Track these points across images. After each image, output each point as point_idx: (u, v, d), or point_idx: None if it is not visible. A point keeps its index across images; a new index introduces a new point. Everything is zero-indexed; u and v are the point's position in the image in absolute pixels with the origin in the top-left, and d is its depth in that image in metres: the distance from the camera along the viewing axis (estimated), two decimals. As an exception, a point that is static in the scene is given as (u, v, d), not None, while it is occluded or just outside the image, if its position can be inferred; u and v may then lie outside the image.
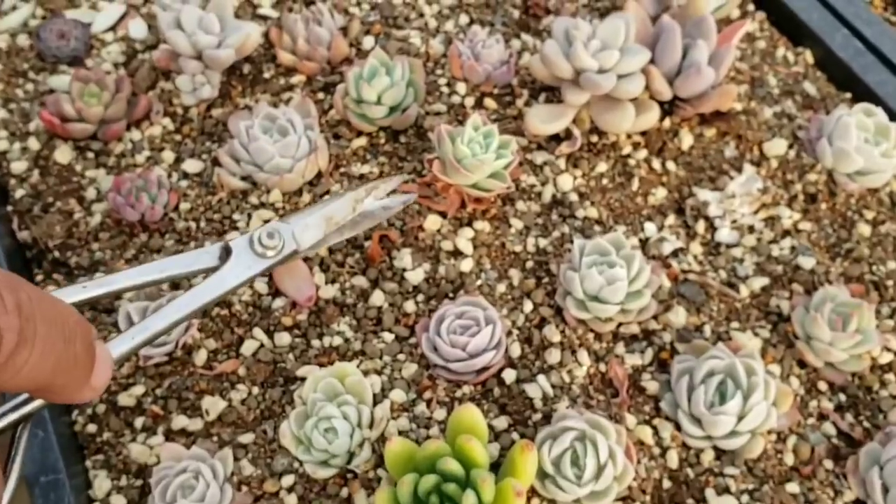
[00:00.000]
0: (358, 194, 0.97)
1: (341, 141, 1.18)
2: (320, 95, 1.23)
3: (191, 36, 1.17)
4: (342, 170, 1.15)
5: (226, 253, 0.86)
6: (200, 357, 1.01)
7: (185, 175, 1.17)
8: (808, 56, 1.26)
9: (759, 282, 1.05)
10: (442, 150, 1.06)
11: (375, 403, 0.95)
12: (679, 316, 1.02)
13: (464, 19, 1.30)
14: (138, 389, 1.00)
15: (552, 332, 1.00)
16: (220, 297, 0.83)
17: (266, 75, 1.25)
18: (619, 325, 1.01)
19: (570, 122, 1.13)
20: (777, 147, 1.14)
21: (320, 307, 1.04)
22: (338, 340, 1.01)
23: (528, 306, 1.03)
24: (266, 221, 1.10)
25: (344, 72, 1.24)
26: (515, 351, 0.99)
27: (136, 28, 1.31)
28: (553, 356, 0.99)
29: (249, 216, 1.12)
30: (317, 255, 1.07)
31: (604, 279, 0.97)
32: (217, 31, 1.18)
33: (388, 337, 1.01)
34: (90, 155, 1.20)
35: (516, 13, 1.31)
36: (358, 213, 0.96)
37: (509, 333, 1.01)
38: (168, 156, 1.18)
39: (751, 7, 1.30)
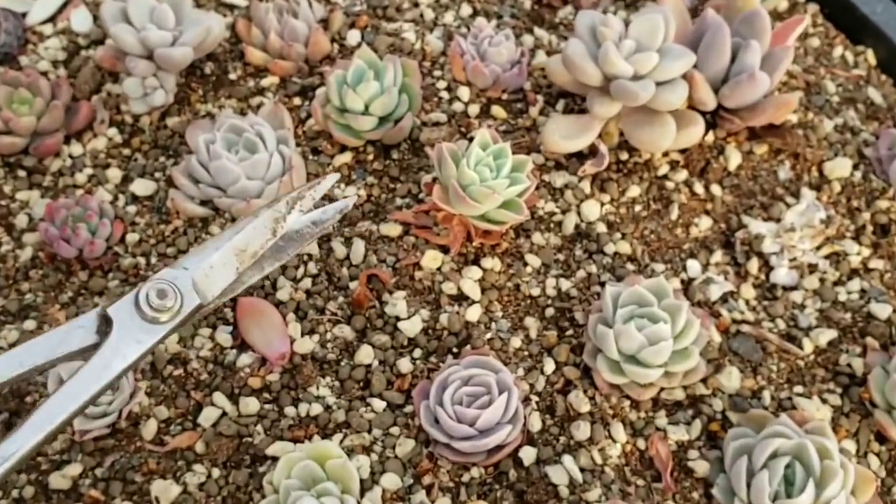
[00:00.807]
0: (277, 211, 0.75)
1: (321, 157, 0.99)
2: (296, 101, 1.04)
3: (140, 31, 0.97)
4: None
5: (105, 323, 0.67)
6: (149, 429, 0.83)
7: (134, 198, 0.98)
8: (871, 56, 1.09)
9: (825, 335, 0.88)
10: (443, 174, 0.87)
11: (363, 492, 0.78)
12: (732, 378, 0.85)
13: (466, 10, 1.11)
14: (74, 469, 0.82)
15: (580, 400, 0.83)
16: (101, 390, 0.64)
17: (232, 76, 1.06)
18: (661, 389, 0.83)
19: (595, 136, 0.94)
20: (840, 167, 0.97)
21: (295, 365, 0.86)
22: (317, 408, 0.83)
23: (549, 366, 0.85)
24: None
25: (324, 73, 1.05)
26: (535, 424, 0.82)
27: (80, 19, 1.11)
28: (581, 431, 0.81)
29: (211, 250, 0.92)
30: (290, 299, 0.89)
31: (644, 337, 0.80)
32: (171, 24, 0.98)
33: (379, 405, 0.83)
34: (21, 173, 1.01)
35: (527, 3, 1.12)
36: (280, 236, 0.75)
37: (527, 400, 0.83)
38: (114, 174, 0.99)
39: (802, -2, 1.11)
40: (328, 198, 0.92)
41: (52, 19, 1.12)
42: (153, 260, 0.93)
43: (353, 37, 1.07)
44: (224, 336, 0.87)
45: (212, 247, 0.72)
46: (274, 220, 0.74)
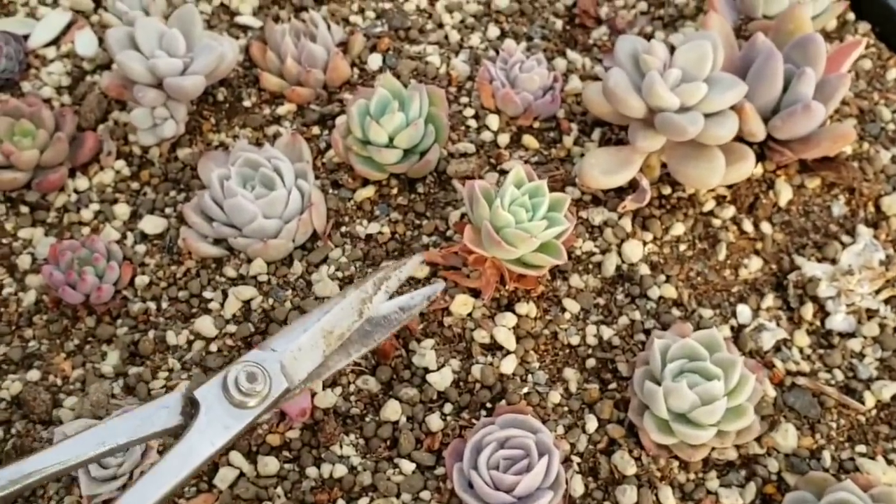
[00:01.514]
0: (364, 291, 0.74)
1: (342, 191, 0.93)
2: (315, 130, 0.97)
3: (148, 59, 0.91)
4: (343, 229, 0.91)
5: (190, 405, 0.64)
6: (161, 492, 0.76)
7: (143, 237, 0.92)
8: (927, 79, 1.02)
9: (888, 388, 0.82)
10: (475, 215, 0.81)
11: (393, 565, 0.71)
12: (788, 437, 0.79)
13: (493, 31, 1.04)
14: (81, 535, 0.76)
15: (625, 462, 0.76)
16: (186, 478, 0.61)
17: (246, 103, 1.00)
18: (712, 449, 0.77)
19: (637, 171, 0.88)
20: (899, 203, 0.90)
21: (317, 420, 0.80)
22: (341, 469, 0.77)
23: (591, 423, 0.79)
24: (247, 303, 0.86)
25: (344, 100, 0.99)
26: (577, 488, 0.76)
27: (84, 42, 1.05)
28: (627, 496, 0.75)
29: (225, 294, 0.87)
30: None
31: (696, 395, 0.74)
32: (182, 51, 0.92)
33: (408, 466, 0.77)
34: (23, 209, 0.95)
35: (559, 23, 1.05)
36: (366, 318, 0.73)
37: (567, 462, 0.77)
38: (122, 210, 0.93)
39: (851, 16, 1.04)
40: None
41: (55, 42, 1.06)
42: (164, 304, 0.87)
43: (374, 61, 1.01)
44: (240, 389, 0.81)
45: (300, 327, 0.70)
46: (361, 301, 0.73)
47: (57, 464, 0.59)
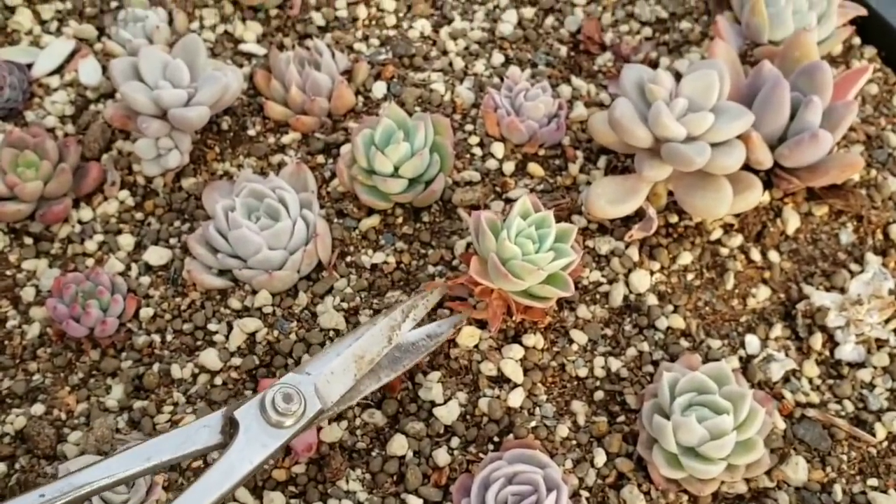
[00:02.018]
0: (393, 319, 0.78)
1: (347, 220, 0.93)
2: (319, 159, 0.97)
3: (152, 89, 0.91)
4: (349, 259, 0.90)
5: (230, 424, 0.68)
6: (167, 529, 0.76)
7: (148, 268, 0.91)
8: (934, 104, 1.01)
9: (900, 418, 0.81)
10: (482, 247, 0.81)
11: None
12: (799, 470, 0.78)
13: (498, 58, 1.04)
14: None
15: (634, 496, 0.76)
16: (227, 492, 0.65)
17: (251, 132, 1.00)
18: (721, 482, 0.76)
19: (644, 200, 0.87)
20: (908, 230, 0.89)
21: (323, 455, 0.79)
22: (347, 505, 0.76)
23: (600, 457, 0.78)
24: (252, 335, 0.85)
25: (349, 128, 0.98)
26: (586, 524, 0.75)
27: (88, 71, 1.04)
28: (637, 531, 0.74)
29: (230, 326, 0.87)
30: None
31: (705, 430, 0.73)
32: (186, 81, 0.92)
33: (415, 502, 0.77)
34: (27, 241, 0.94)
35: (563, 49, 1.05)
36: (395, 344, 0.77)
37: (576, 496, 0.76)
38: (126, 241, 0.93)
39: (857, 40, 1.04)
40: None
41: (58, 70, 1.06)
42: (168, 337, 0.87)
43: (378, 88, 1.01)
44: (246, 423, 0.81)
45: (333, 352, 0.74)
46: (390, 329, 0.77)
47: (106, 477, 0.63)
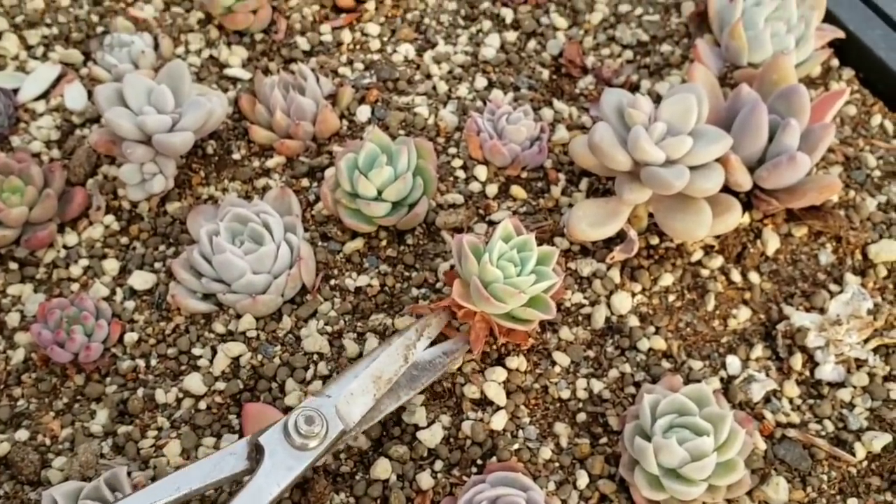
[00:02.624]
0: (408, 338, 0.80)
1: (331, 243, 0.93)
2: (304, 182, 0.98)
3: (137, 115, 0.91)
4: (332, 282, 0.91)
5: (255, 450, 0.70)
6: (149, 554, 0.76)
7: (133, 293, 0.92)
8: (911, 124, 1.02)
9: (879, 438, 0.81)
10: (464, 270, 0.81)
11: None
12: (780, 490, 0.79)
13: (481, 82, 1.05)
14: None
15: (616, 518, 0.76)
16: None
17: (235, 156, 1.00)
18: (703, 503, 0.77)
19: (624, 222, 0.88)
20: (886, 251, 0.91)
21: (307, 479, 0.79)
22: (332, 529, 0.76)
23: (582, 479, 0.78)
24: (236, 359, 0.86)
25: (333, 151, 0.99)
26: (569, 546, 0.75)
27: (73, 96, 1.05)
28: (619, 553, 0.74)
29: (214, 350, 0.87)
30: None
31: (686, 452, 0.73)
32: (170, 107, 0.93)
33: (399, 526, 0.76)
34: (12, 265, 0.95)
35: (545, 73, 1.06)
36: (411, 363, 0.79)
37: (559, 518, 0.76)
38: (111, 266, 0.93)
39: (835, 62, 1.05)
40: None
41: (44, 95, 1.07)
42: (153, 362, 0.87)
43: (363, 112, 1.02)
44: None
45: (351, 374, 0.76)
46: (405, 348, 0.79)
47: None
